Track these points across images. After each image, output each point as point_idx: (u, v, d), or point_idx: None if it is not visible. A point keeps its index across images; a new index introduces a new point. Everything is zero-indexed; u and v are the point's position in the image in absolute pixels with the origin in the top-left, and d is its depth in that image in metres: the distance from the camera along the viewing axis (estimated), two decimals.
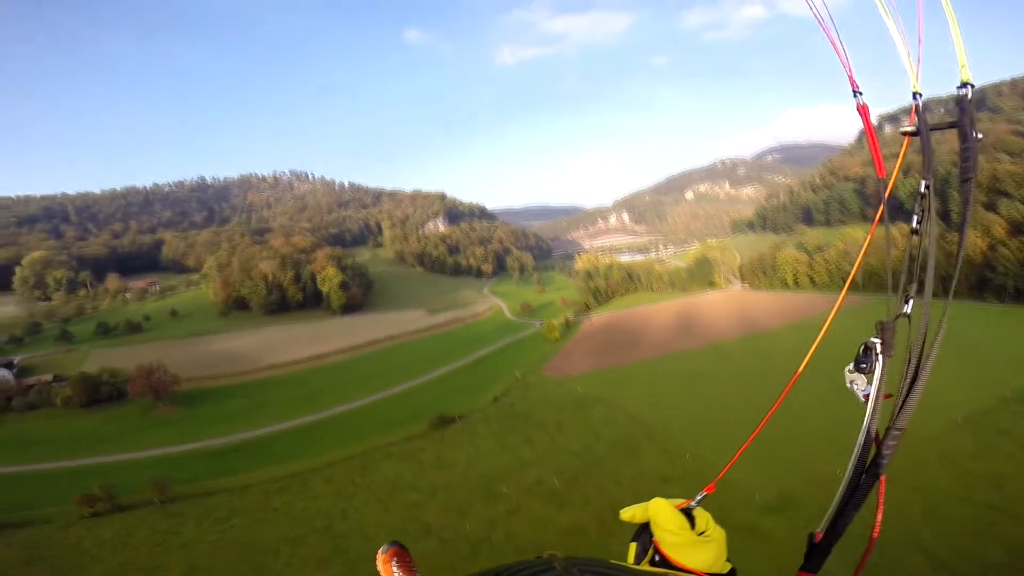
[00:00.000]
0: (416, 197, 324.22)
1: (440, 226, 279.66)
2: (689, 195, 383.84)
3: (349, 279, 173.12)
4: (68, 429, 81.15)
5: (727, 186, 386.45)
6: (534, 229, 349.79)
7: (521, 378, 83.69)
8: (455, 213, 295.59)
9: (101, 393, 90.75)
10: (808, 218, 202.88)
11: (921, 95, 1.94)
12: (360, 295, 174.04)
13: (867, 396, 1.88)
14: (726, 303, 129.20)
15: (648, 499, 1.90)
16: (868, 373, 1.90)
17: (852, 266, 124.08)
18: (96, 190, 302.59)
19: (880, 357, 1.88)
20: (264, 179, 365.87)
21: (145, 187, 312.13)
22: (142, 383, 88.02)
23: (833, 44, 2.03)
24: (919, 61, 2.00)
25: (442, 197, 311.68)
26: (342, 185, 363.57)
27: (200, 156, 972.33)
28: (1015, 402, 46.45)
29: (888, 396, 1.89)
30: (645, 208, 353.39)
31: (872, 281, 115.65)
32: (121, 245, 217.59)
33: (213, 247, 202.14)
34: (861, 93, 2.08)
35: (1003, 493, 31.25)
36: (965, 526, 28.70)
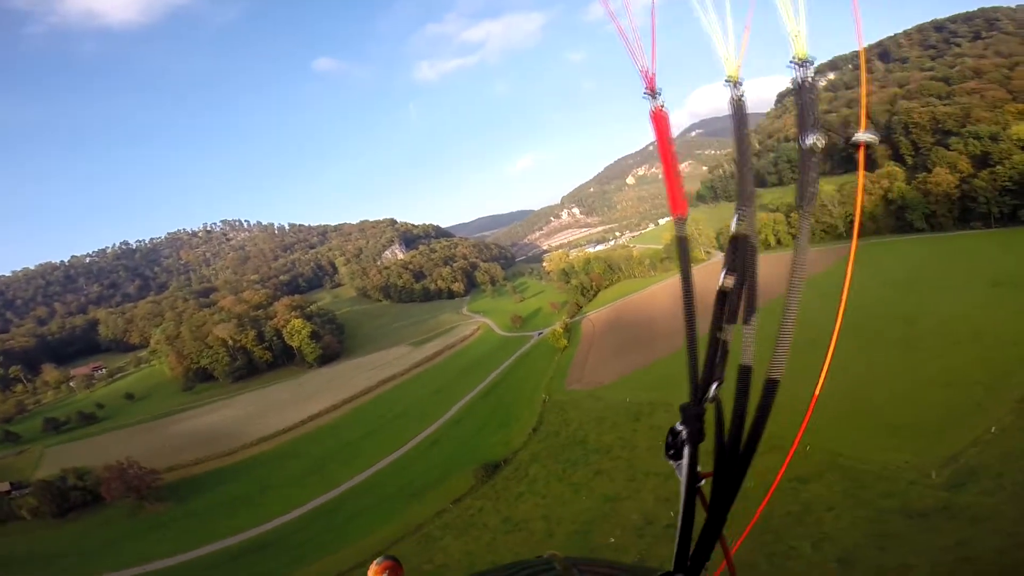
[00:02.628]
0: (365, 227, 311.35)
1: (398, 253, 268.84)
2: (630, 180, 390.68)
3: (318, 327, 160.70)
4: (45, 544, 68.49)
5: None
6: (490, 239, 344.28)
7: (549, 399, 76.73)
8: (410, 237, 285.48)
9: (72, 499, 77.84)
10: (761, 182, 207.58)
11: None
12: (334, 343, 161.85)
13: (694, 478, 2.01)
14: (712, 278, 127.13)
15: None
16: (677, 459, 2.01)
17: (829, 217, 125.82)
18: (5, 272, 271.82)
19: (687, 445, 1.99)
20: (195, 234, 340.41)
21: (63, 261, 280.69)
22: (117, 484, 75.49)
23: (624, 37, 2.04)
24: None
25: (392, 223, 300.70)
26: (282, 227, 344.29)
27: (118, 218, 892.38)
28: None
29: (708, 475, 1.99)
30: (593, 199, 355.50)
31: (871, 225, 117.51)
32: (50, 331, 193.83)
33: (156, 318, 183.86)
34: (659, 94, 2.09)
35: None
36: None
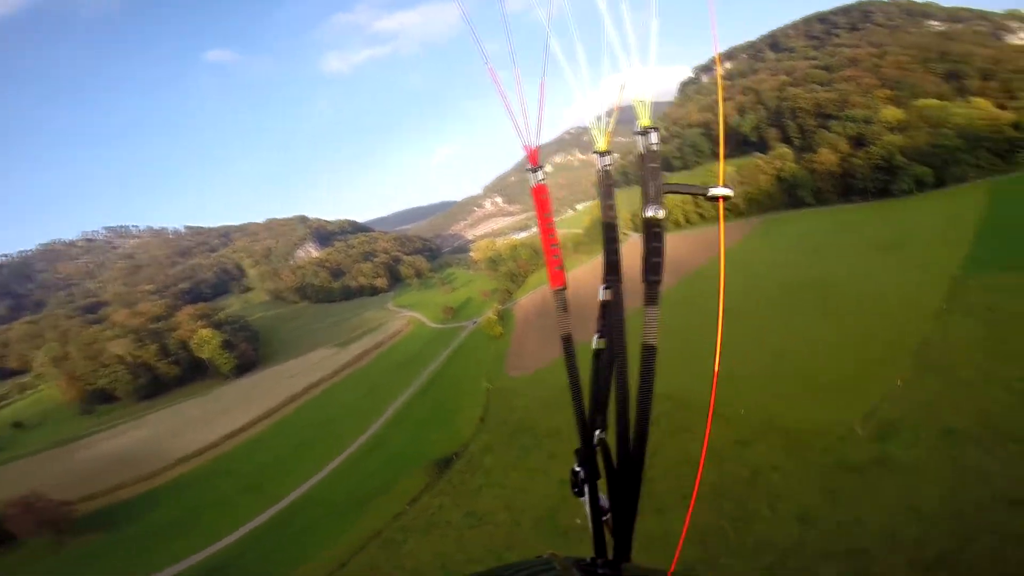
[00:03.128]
0: (272, 226, 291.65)
1: (312, 251, 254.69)
2: (549, 167, 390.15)
3: (230, 336, 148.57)
4: None
5: (578, 153, 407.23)
6: (412, 232, 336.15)
7: (492, 387, 76.11)
8: (324, 234, 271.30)
9: None
10: (668, 166, 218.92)
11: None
12: (250, 351, 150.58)
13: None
14: (638, 255, 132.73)
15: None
16: (581, 497, 2.22)
17: (712, 189, 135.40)
18: None
19: (586, 484, 2.19)
20: (73, 244, 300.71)
21: None
22: (26, 520, 66.22)
23: (510, 112, 2.15)
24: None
25: (303, 220, 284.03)
26: (178, 231, 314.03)
27: None
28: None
29: (608, 515, 2.17)
30: (514, 188, 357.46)
31: (753, 206, 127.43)
32: None
33: (36, 340, 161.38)
34: (540, 168, 2.23)
35: None
36: None
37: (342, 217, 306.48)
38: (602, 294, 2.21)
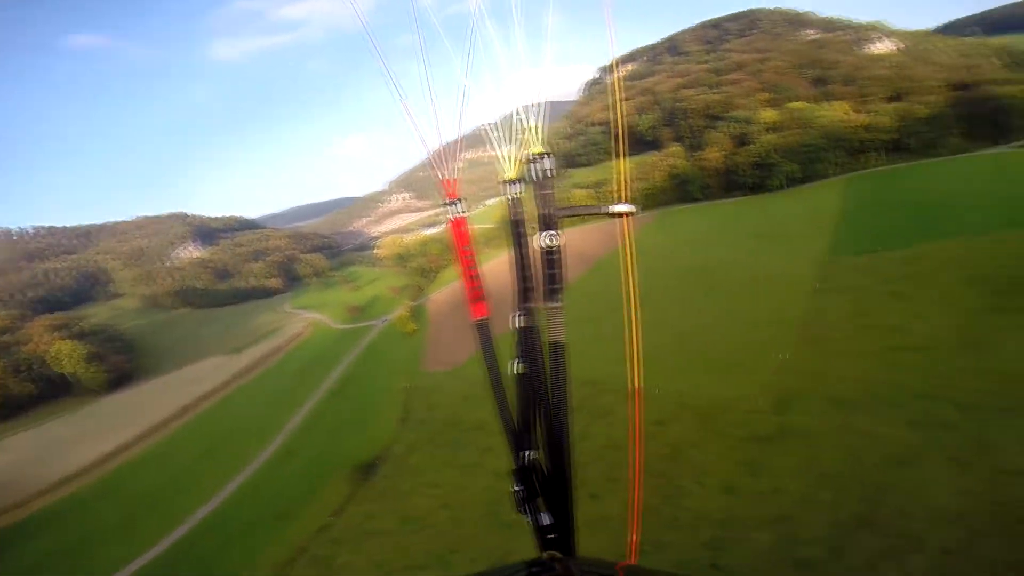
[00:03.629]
0: (144, 224, 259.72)
1: (193, 251, 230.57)
2: (460, 164, 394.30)
3: (98, 348, 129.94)
4: None
5: (490, 149, 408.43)
6: (308, 229, 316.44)
7: (410, 386, 73.42)
8: (207, 231, 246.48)
9: None
10: (572, 163, 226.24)
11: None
12: (124, 362, 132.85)
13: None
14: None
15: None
16: (525, 516, 2.32)
17: (613, 206, 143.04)
18: None
19: (526, 503, 2.30)
20: None
21: None
22: None
23: (425, 147, 2.37)
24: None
25: (183, 217, 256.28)
26: (24, 232, 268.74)
27: None
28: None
29: (552, 550, 2.23)
30: (423, 183, 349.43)
31: (649, 201, 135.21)
32: None
33: None
34: (460, 202, 2.37)
35: None
36: None
37: (229, 213, 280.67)
38: (517, 321, 2.24)
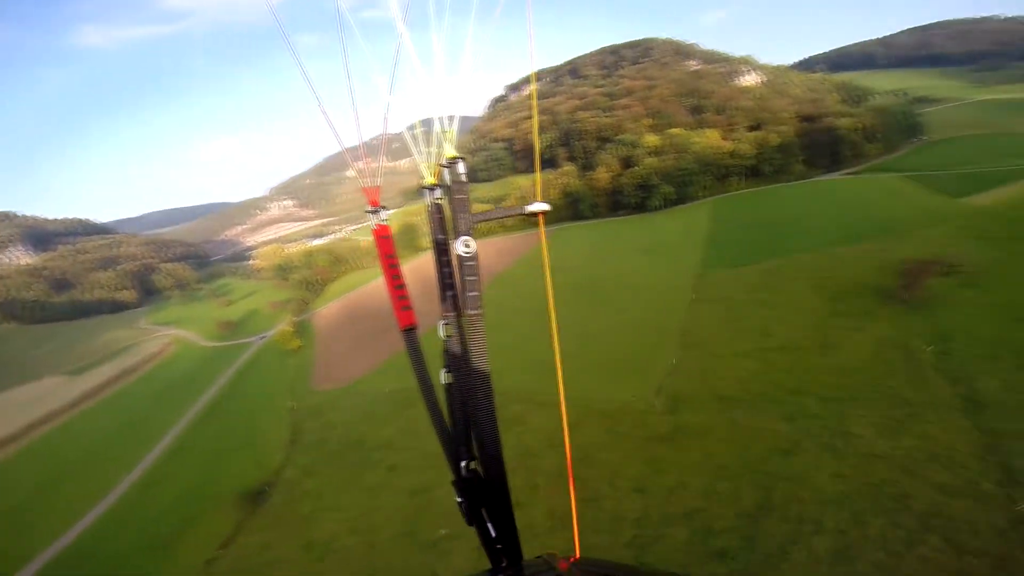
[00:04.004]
0: None
1: (22, 257, 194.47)
2: (350, 173, 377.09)
3: None
4: None
5: (385, 160, 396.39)
6: (169, 236, 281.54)
7: (297, 406, 67.44)
8: (42, 235, 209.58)
9: None
10: (474, 178, 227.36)
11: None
12: None
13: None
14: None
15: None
16: (471, 525, 2.38)
17: (529, 206, 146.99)
18: None
19: (469, 513, 2.35)
20: None
21: None
22: None
23: (348, 156, 2.37)
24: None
25: (9, 217, 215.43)
26: None
27: None
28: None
29: (495, 540, 2.33)
30: (309, 192, 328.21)
31: (555, 214, 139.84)
32: None
33: None
34: (383, 209, 2.34)
35: None
36: None
37: (72, 215, 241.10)
38: (442, 330, 2.25)
